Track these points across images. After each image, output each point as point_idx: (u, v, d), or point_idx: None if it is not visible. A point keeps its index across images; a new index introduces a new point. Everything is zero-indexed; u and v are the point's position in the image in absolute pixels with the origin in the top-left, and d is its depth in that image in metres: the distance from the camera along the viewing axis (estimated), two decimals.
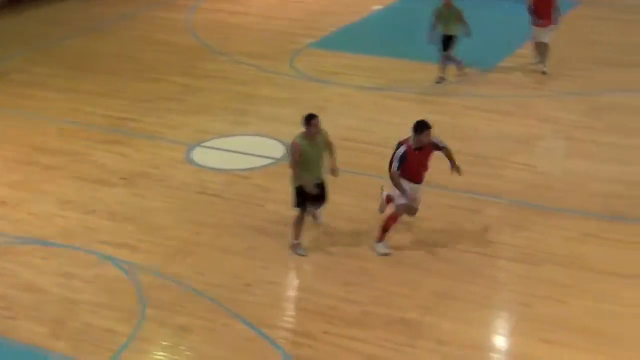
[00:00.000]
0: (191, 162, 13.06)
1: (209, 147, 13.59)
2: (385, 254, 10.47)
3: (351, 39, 19.49)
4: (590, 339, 9.00)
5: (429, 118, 10.37)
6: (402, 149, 10.12)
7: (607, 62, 17.40)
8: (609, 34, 19.37)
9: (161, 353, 8.96)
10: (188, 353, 8.91)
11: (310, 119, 10.10)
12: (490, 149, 13.36)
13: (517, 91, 16.00)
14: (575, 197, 11.97)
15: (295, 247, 10.56)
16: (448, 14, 15.77)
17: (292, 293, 10.20)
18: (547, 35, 16.33)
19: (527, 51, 17.13)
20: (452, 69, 16.24)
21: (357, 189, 11.93)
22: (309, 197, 10.33)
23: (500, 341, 9.25)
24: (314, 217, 10.91)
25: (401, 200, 10.32)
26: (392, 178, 10.23)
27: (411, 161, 10.13)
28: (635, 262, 10.39)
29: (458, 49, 15.95)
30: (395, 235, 10.68)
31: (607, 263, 10.36)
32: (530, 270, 10.23)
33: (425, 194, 10.75)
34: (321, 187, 10.43)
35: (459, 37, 15.84)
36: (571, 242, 10.83)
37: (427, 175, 10.53)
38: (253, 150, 13.44)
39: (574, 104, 15.32)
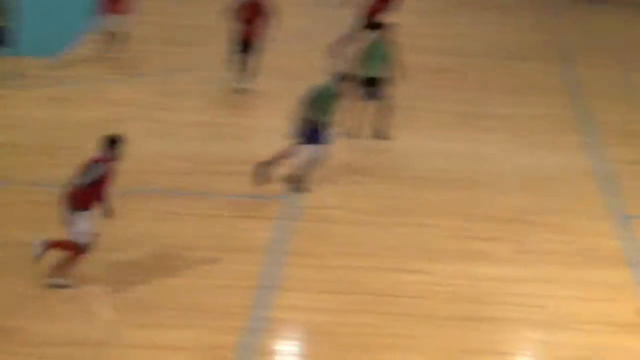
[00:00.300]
0: None
1: None
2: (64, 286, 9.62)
3: None
4: (184, 315, 9.35)
5: None
6: (100, 167, 9.28)
7: (176, 43, 17.97)
8: (178, 15, 19.90)
9: None
10: None
11: None
12: (64, 138, 13.18)
13: (88, 77, 15.94)
14: (154, 177, 12.31)
15: None
16: None
17: None
18: (119, 22, 16.33)
19: (96, 37, 16.95)
20: (10, 60, 15.43)
21: None
22: None
23: (87, 332, 9.03)
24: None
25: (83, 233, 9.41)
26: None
27: (106, 181, 9.34)
28: (214, 235, 10.93)
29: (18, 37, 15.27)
30: None
31: (189, 239, 10.80)
32: (119, 256, 10.30)
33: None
34: None
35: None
36: (153, 221, 11.12)
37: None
38: None
39: (146, 86, 15.65)
